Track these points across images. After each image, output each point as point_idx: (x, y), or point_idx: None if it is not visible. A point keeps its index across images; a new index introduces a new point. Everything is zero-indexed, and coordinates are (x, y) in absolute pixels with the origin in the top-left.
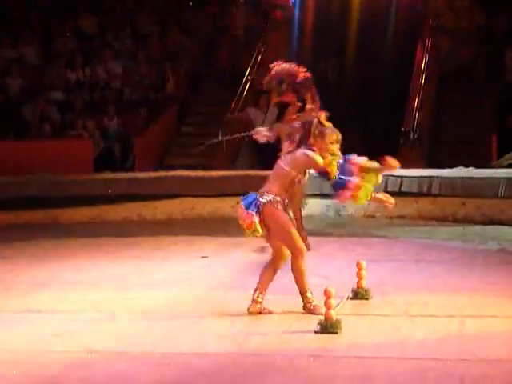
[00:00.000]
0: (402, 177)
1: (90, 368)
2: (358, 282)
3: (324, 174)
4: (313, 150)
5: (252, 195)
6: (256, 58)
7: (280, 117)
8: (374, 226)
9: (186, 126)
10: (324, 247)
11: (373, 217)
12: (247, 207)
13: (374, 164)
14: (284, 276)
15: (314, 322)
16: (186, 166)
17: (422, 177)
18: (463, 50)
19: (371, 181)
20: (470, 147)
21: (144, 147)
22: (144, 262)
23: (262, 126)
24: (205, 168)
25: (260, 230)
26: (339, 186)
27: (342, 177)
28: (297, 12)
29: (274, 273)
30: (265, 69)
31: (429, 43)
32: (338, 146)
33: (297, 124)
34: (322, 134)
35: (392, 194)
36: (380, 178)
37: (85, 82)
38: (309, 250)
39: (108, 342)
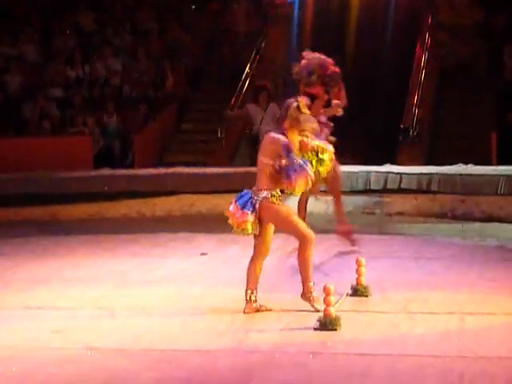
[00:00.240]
0: (401, 174)
1: (90, 365)
2: (357, 279)
3: (288, 153)
4: (284, 134)
5: (247, 194)
6: (256, 55)
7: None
8: (373, 222)
9: (185, 123)
10: (323, 244)
11: (372, 213)
12: (243, 206)
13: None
14: (281, 273)
15: (313, 318)
16: (186, 163)
17: (421, 174)
18: (462, 47)
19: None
20: (470, 144)
21: (143, 144)
22: (143, 259)
23: (261, 123)
24: (204, 165)
25: (250, 230)
26: (292, 171)
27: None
28: (296, 9)
29: (260, 268)
30: (264, 65)
31: (428, 40)
32: (311, 135)
33: (323, 118)
34: (296, 120)
35: (391, 190)
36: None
37: (84, 79)
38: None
39: (107, 339)
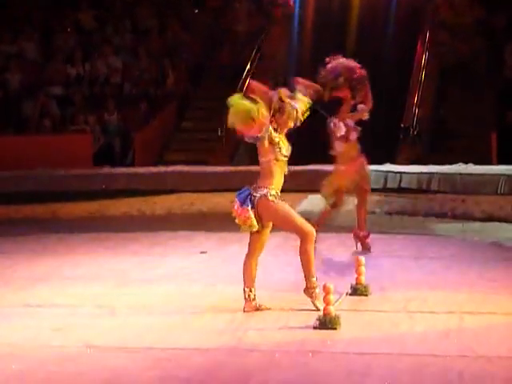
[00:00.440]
0: (401, 173)
1: (89, 363)
2: (357, 278)
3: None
4: (274, 128)
5: (246, 190)
6: (256, 53)
7: (332, 114)
8: (373, 222)
9: (185, 122)
10: (323, 243)
11: (372, 213)
12: (242, 202)
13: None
14: (280, 272)
15: (312, 317)
16: (186, 161)
17: (421, 173)
18: (463, 45)
19: None
20: (470, 143)
21: (144, 142)
22: (143, 257)
23: None
24: (204, 164)
25: (256, 225)
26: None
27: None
28: (297, 8)
29: (256, 265)
30: (265, 64)
31: (428, 39)
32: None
33: (350, 122)
34: (281, 110)
35: (391, 190)
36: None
37: (85, 77)
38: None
39: (107, 337)
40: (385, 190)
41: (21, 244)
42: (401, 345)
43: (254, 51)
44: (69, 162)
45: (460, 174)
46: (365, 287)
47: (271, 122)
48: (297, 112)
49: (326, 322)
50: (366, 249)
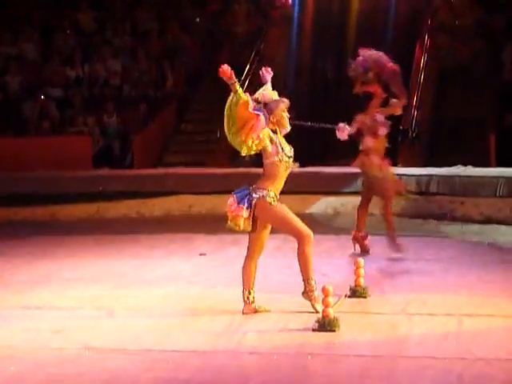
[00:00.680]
0: (400, 175)
1: (89, 365)
2: (356, 280)
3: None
4: (272, 131)
5: (244, 190)
6: (255, 55)
7: (362, 108)
8: (372, 224)
9: (185, 124)
10: (322, 245)
11: (371, 215)
12: (239, 201)
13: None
14: (279, 274)
15: (311, 319)
16: (185, 163)
17: (420, 175)
18: (462, 47)
19: None
20: (469, 145)
21: (143, 144)
22: (142, 260)
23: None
24: (203, 166)
25: (242, 227)
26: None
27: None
28: (296, 10)
29: (255, 267)
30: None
31: (428, 41)
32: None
33: (379, 117)
34: (270, 110)
35: None
36: None
37: (84, 78)
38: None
39: (106, 339)
40: None
41: (20, 246)
42: (400, 347)
43: (252, 53)
44: (68, 164)
45: (459, 176)
46: (364, 289)
47: (270, 123)
48: (282, 102)
49: (325, 324)
50: (365, 251)
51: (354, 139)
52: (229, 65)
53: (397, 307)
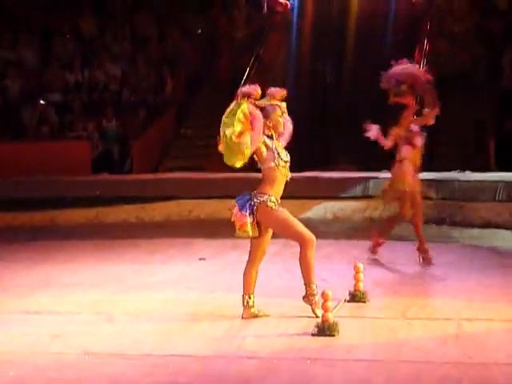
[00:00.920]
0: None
1: (88, 370)
2: (355, 285)
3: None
4: (268, 136)
5: (246, 196)
6: (255, 60)
7: (396, 119)
8: (371, 228)
9: (184, 128)
10: (321, 250)
11: (371, 219)
12: (241, 208)
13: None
14: (278, 279)
15: (311, 324)
16: (185, 168)
17: (419, 180)
18: (462, 52)
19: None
20: (468, 150)
21: (142, 149)
22: (142, 264)
23: None
24: (203, 170)
25: (250, 233)
26: None
27: None
28: (296, 15)
29: (256, 272)
30: (263, 71)
31: (427, 46)
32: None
33: (414, 127)
34: (266, 115)
35: None
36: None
37: (83, 84)
38: (430, 263)
39: (106, 344)
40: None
41: (19, 251)
42: (399, 351)
43: (252, 58)
44: (67, 169)
45: (458, 180)
46: (363, 294)
47: (266, 128)
48: (279, 106)
49: (325, 329)
50: (373, 254)
51: (392, 150)
52: (228, 70)
53: (396, 312)
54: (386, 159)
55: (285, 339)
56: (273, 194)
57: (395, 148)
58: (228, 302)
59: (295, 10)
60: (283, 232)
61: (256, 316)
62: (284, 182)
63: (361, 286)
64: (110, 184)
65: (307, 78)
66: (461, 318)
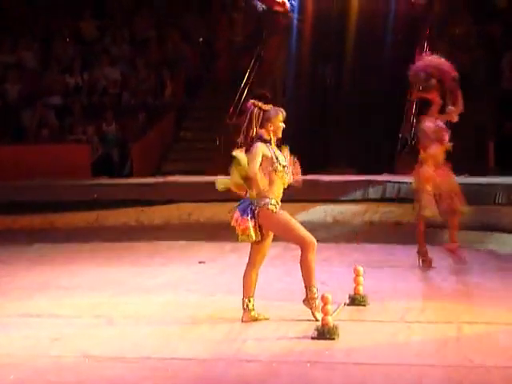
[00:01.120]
0: (399, 183)
1: (88, 373)
2: (355, 288)
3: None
4: (266, 140)
5: (246, 200)
6: (255, 63)
7: (420, 114)
8: (371, 232)
9: (184, 132)
10: (321, 253)
11: (371, 223)
12: (242, 212)
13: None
14: (279, 282)
15: (311, 327)
16: (184, 171)
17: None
18: (461, 55)
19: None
20: (468, 153)
21: (142, 152)
22: (141, 267)
23: None
24: (202, 173)
25: (254, 236)
26: None
27: None
28: (296, 18)
29: (256, 275)
30: (263, 73)
31: (427, 49)
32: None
33: (441, 124)
34: (268, 119)
35: (389, 200)
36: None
37: (83, 86)
38: (430, 266)
39: (105, 347)
40: (383, 199)
41: (19, 254)
42: (399, 355)
43: (252, 60)
44: (67, 172)
45: (458, 183)
46: (363, 297)
47: (264, 134)
48: (283, 113)
49: (324, 333)
50: (459, 262)
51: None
52: (228, 72)
53: (396, 315)
54: (385, 160)
55: (285, 342)
56: (273, 198)
57: (418, 145)
58: (228, 305)
59: (295, 12)
60: (284, 235)
61: (256, 319)
62: (283, 186)
63: (361, 289)
64: (110, 187)
65: (307, 80)
66: (461, 322)
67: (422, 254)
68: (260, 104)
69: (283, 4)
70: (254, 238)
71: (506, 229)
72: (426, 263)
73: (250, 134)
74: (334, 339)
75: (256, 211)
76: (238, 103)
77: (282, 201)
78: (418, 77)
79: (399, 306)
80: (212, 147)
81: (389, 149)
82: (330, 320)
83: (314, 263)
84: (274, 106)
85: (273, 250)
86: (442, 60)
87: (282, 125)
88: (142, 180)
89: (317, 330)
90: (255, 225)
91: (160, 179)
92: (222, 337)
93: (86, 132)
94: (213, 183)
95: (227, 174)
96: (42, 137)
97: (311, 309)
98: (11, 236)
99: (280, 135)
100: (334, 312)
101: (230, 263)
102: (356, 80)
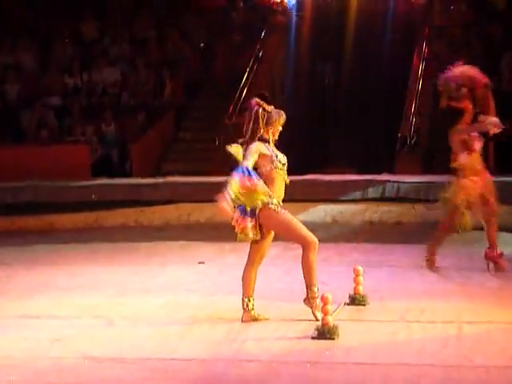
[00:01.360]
0: (399, 182)
1: (88, 374)
2: (355, 288)
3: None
4: (265, 139)
5: None
6: (254, 63)
7: (451, 123)
8: (372, 231)
9: (183, 132)
10: (321, 253)
11: (370, 222)
12: (243, 211)
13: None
14: (279, 281)
15: (310, 327)
16: (183, 171)
17: (419, 182)
18: (460, 55)
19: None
20: None
21: (141, 153)
22: (141, 268)
23: None
24: (202, 174)
25: (251, 235)
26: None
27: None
28: (295, 16)
29: (255, 275)
30: (262, 73)
31: (425, 49)
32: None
33: (474, 133)
34: (270, 120)
35: (389, 199)
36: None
37: (82, 87)
38: (432, 267)
39: (105, 348)
40: (383, 199)
41: (18, 255)
42: (399, 355)
43: (251, 59)
44: (66, 173)
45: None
46: (363, 297)
47: (265, 135)
48: (283, 116)
49: (324, 332)
50: (500, 270)
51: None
52: (227, 72)
53: (396, 315)
54: (385, 159)
55: (284, 342)
56: (274, 197)
57: (451, 153)
58: (227, 305)
59: (294, 10)
60: (286, 234)
61: (256, 319)
62: (283, 185)
63: (360, 289)
64: (109, 188)
65: (306, 79)
66: (461, 321)
67: (430, 253)
68: (264, 104)
69: (282, 1)
70: (251, 236)
71: (506, 228)
72: (430, 262)
73: (257, 134)
74: (333, 339)
75: (257, 210)
76: (238, 103)
77: (282, 201)
78: (449, 86)
79: (399, 306)
80: (211, 147)
81: (388, 148)
82: (330, 320)
83: (315, 263)
84: (274, 107)
85: (273, 249)
86: (473, 69)
87: (281, 128)
88: (141, 180)
89: (317, 329)
90: (255, 224)
91: (159, 179)
92: (221, 337)
93: (85, 132)
94: (213, 183)
95: (227, 174)
96: (41, 137)
97: (311, 308)
98: (10, 237)
99: (277, 137)
100: (333, 312)
101: (230, 263)
102: (355, 79)
